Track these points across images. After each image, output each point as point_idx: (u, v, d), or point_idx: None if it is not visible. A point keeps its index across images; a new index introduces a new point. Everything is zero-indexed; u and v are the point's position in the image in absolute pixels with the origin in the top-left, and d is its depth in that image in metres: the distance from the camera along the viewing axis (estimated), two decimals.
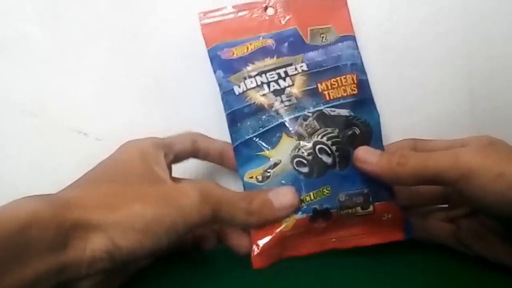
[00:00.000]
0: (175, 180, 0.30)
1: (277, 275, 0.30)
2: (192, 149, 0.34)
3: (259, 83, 0.33)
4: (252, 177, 0.32)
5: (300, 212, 0.31)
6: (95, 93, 0.42)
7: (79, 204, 0.24)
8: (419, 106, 0.41)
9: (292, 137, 0.32)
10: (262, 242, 0.30)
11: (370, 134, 0.33)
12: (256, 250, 0.30)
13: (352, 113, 0.33)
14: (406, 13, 0.40)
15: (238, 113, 0.33)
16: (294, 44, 0.35)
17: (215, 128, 0.36)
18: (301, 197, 0.31)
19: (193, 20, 0.41)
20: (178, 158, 0.33)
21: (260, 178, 0.32)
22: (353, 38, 0.35)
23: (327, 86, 0.33)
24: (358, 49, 0.35)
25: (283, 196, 0.30)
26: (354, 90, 0.33)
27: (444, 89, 0.41)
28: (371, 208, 0.32)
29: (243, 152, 0.33)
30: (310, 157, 0.32)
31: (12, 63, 0.42)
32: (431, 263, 0.32)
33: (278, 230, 0.30)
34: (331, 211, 0.31)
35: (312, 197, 0.31)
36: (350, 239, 0.32)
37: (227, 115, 0.33)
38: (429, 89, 0.41)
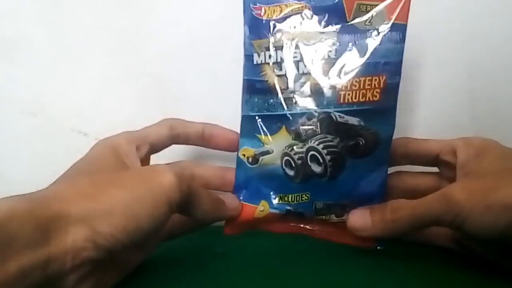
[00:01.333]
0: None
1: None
2: (170, 135, 0.34)
3: (278, 59, 0.31)
4: (244, 155, 0.32)
5: (274, 208, 0.32)
6: (95, 93, 0.42)
7: (56, 197, 0.24)
8: (420, 106, 0.41)
9: (290, 134, 0.31)
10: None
11: (376, 146, 0.31)
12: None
13: (362, 122, 0.30)
14: None
15: (251, 85, 0.31)
16: (333, 18, 0.31)
17: None
18: (279, 195, 0.32)
19: (193, 20, 0.41)
20: (155, 147, 0.34)
21: (250, 160, 0.32)
22: (403, 28, 0.30)
23: (346, 86, 0.30)
24: (403, 42, 0.30)
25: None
26: (376, 96, 0.30)
27: (445, 89, 0.41)
28: (345, 216, 0.32)
29: (246, 125, 0.32)
30: (299, 162, 0.31)
31: (12, 63, 0.42)
32: (429, 262, 0.32)
33: (252, 217, 0.33)
34: (304, 214, 0.32)
35: (289, 199, 0.32)
36: (323, 232, 0.33)
37: (244, 80, 0.32)
38: (430, 89, 0.41)
